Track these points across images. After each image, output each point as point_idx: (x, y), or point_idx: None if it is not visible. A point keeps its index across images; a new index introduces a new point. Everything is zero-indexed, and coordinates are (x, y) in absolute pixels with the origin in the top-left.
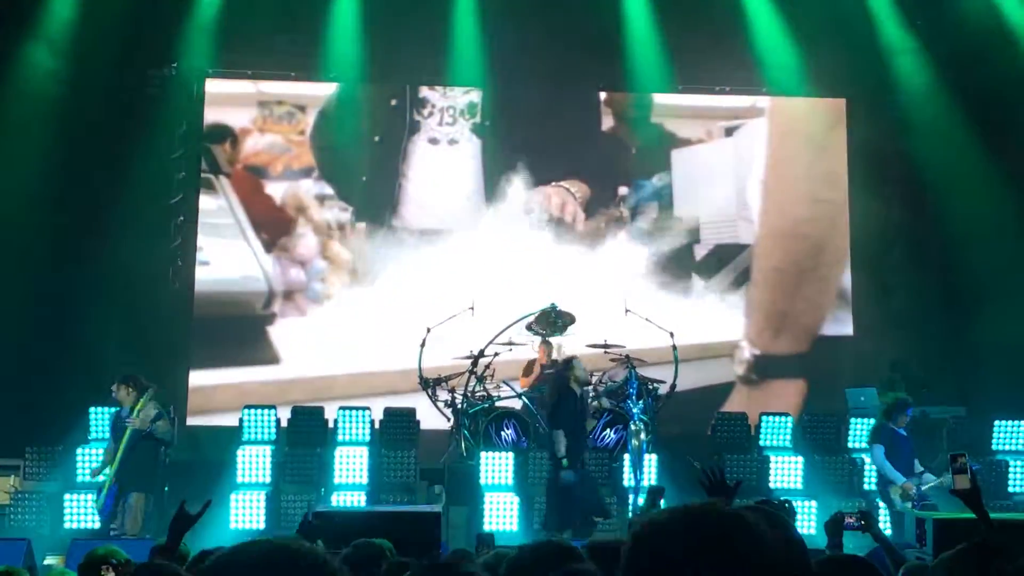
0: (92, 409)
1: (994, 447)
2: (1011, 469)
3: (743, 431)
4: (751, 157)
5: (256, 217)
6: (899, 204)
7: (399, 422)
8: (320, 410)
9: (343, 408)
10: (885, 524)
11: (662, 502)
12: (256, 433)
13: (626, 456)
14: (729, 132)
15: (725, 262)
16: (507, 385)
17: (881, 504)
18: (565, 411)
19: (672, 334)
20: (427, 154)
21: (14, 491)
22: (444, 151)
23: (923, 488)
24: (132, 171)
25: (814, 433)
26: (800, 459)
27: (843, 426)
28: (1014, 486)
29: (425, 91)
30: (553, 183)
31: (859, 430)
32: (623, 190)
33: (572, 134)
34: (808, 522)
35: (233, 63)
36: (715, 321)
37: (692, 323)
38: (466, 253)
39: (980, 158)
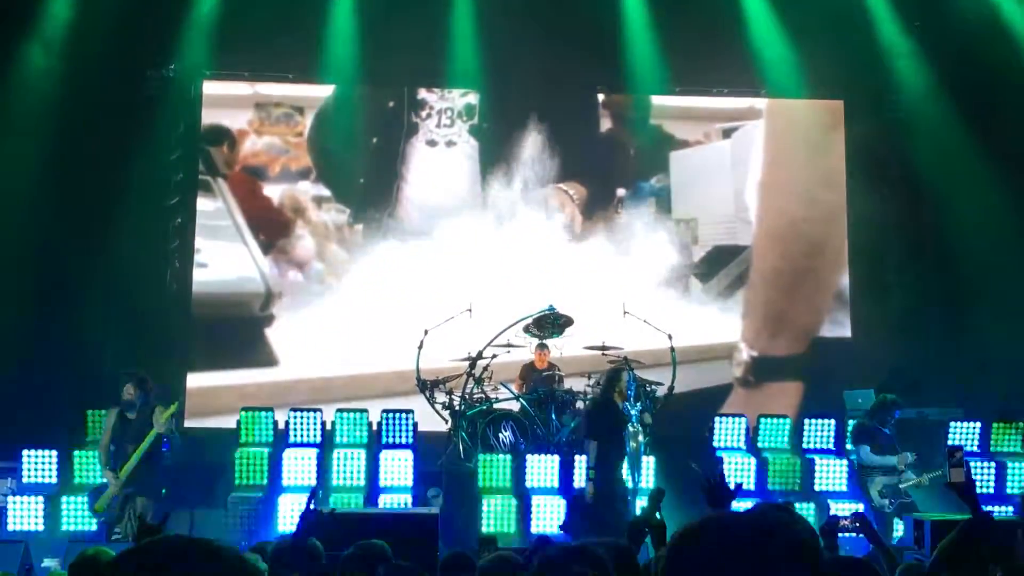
0: (89, 412)
1: (992, 449)
2: (1008, 471)
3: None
4: (749, 158)
5: (254, 219)
6: (897, 205)
7: (397, 424)
8: (318, 412)
9: (340, 410)
10: None
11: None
12: (254, 435)
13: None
14: (727, 134)
15: (723, 263)
16: (505, 387)
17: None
18: (603, 422)
19: (670, 336)
20: (425, 156)
21: (11, 492)
22: (442, 153)
23: (901, 486)
24: (129, 173)
25: (812, 435)
26: (796, 460)
27: (841, 428)
28: (1012, 488)
29: (423, 93)
30: (551, 185)
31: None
32: (621, 192)
33: (570, 136)
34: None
35: (230, 65)
36: (713, 323)
37: (690, 325)
38: (464, 255)
39: (978, 159)
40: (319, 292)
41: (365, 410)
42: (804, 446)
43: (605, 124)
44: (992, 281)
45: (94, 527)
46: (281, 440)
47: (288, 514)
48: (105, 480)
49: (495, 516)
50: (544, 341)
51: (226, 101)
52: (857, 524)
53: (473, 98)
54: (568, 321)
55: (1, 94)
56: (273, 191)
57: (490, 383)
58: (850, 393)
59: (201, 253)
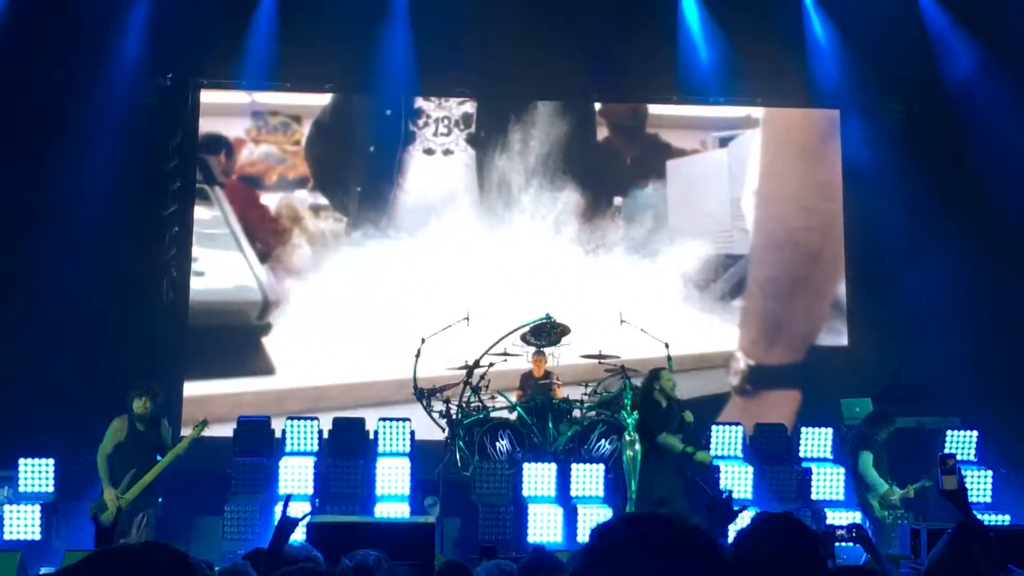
0: (89, 419)
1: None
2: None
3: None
4: (745, 167)
5: (251, 227)
6: (894, 213)
7: (393, 433)
8: (315, 420)
9: (338, 419)
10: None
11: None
12: (251, 444)
13: (621, 467)
14: (724, 142)
15: (720, 272)
16: (502, 396)
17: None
18: (651, 424)
19: (667, 344)
20: (422, 164)
21: (7, 501)
22: (439, 161)
23: (891, 498)
24: (127, 181)
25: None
26: (793, 469)
27: (837, 436)
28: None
29: (420, 102)
30: (548, 194)
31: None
32: (618, 200)
33: (567, 144)
34: None
35: (228, 74)
36: (710, 331)
37: (687, 333)
38: (461, 263)
39: (974, 168)
40: (316, 301)
41: (362, 418)
42: (801, 455)
43: (602, 133)
44: (991, 289)
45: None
46: (278, 449)
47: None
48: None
49: (492, 525)
50: (541, 349)
51: (223, 110)
52: (853, 533)
53: (470, 107)
54: (565, 330)
55: None
56: (270, 200)
57: (487, 392)
58: (847, 402)
59: (198, 262)
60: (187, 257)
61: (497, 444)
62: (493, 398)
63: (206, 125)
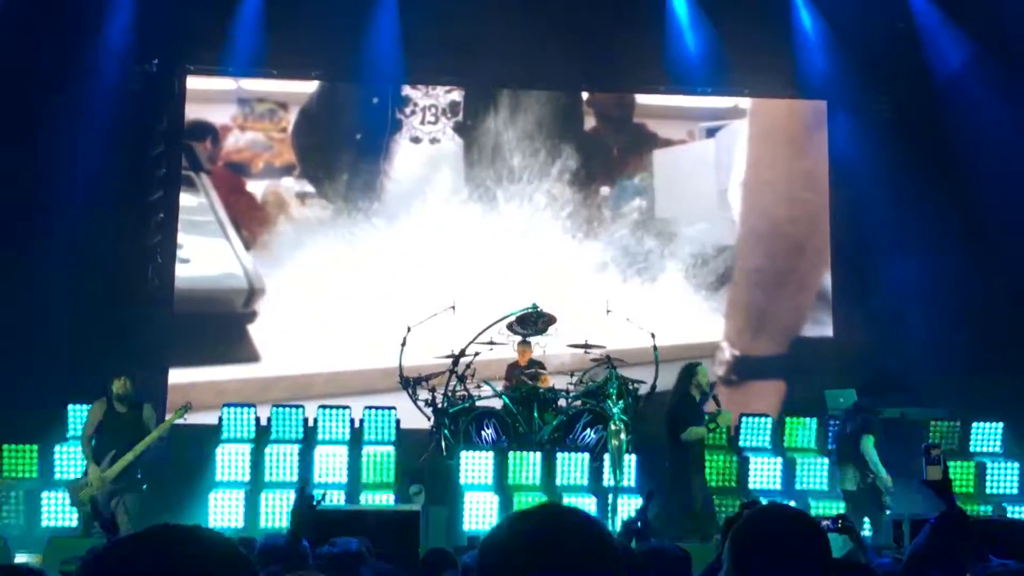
0: (71, 406)
1: (972, 449)
2: (988, 471)
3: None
4: (732, 158)
5: (237, 215)
6: (879, 205)
7: (379, 421)
8: (300, 408)
9: (323, 407)
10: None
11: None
12: (235, 431)
13: (606, 456)
14: (711, 133)
15: (706, 263)
16: (488, 385)
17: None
18: (683, 419)
19: (653, 335)
20: (409, 153)
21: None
22: (426, 150)
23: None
24: (112, 168)
25: (793, 434)
26: (779, 459)
27: (823, 427)
28: (991, 488)
29: (407, 90)
30: (534, 183)
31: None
32: (605, 190)
33: (554, 134)
34: None
35: (214, 60)
36: (696, 322)
37: (673, 324)
38: (447, 252)
39: (960, 161)
40: (302, 289)
41: (347, 407)
42: (785, 445)
43: (589, 122)
44: (976, 280)
45: (74, 523)
46: (263, 436)
47: (270, 510)
48: (84, 473)
49: (477, 513)
50: (526, 339)
51: (209, 96)
52: (840, 524)
53: (457, 95)
54: (551, 319)
55: None
56: (256, 187)
57: (473, 380)
58: (831, 392)
59: (183, 249)
60: (172, 244)
61: (483, 433)
62: (479, 387)
63: (192, 112)
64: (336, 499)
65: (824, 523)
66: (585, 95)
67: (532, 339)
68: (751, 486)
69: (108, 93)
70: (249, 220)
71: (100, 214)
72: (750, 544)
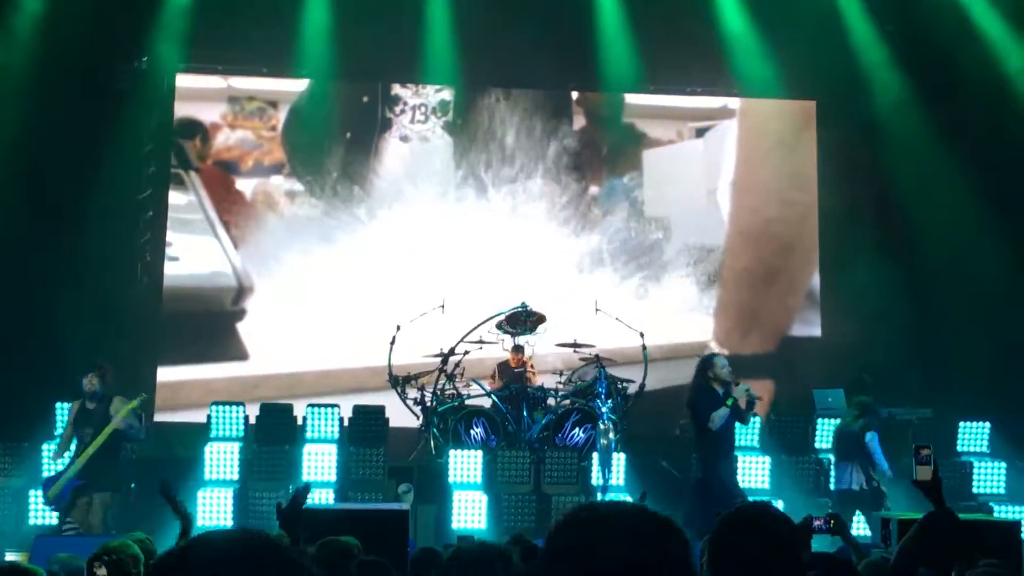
0: (58, 404)
1: (959, 448)
2: (975, 470)
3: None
4: (721, 158)
5: (226, 213)
6: (868, 206)
7: (368, 419)
8: (289, 407)
9: (312, 405)
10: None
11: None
12: (224, 430)
13: (595, 455)
14: (700, 133)
15: (695, 262)
16: (477, 384)
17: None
18: (701, 409)
19: (642, 334)
20: (398, 151)
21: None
22: (415, 148)
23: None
24: (101, 165)
25: (781, 433)
26: (767, 459)
27: (810, 427)
28: (978, 487)
29: (397, 88)
30: (524, 182)
31: (826, 431)
32: (594, 190)
33: (544, 133)
34: None
35: (204, 58)
36: (684, 321)
37: (662, 323)
38: (436, 251)
39: (948, 161)
40: (291, 287)
41: (337, 405)
42: (772, 444)
43: (578, 122)
44: (962, 282)
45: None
46: (251, 435)
47: (257, 509)
48: (58, 470)
49: (465, 512)
50: (518, 341)
51: (199, 94)
52: (831, 524)
53: (447, 94)
54: (540, 318)
55: None
56: (246, 185)
57: (462, 379)
58: (820, 392)
59: (172, 247)
60: (161, 242)
61: (472, 431)
62: (468, 386)
63: (182, 110)
64: (325, 498)
65: (816, 523)
66: (575, 95)
67: (521, 339)
68: (741, 485)
69: (97, 91)
70: (238, 218)
71: (89, 211)
72: (724, 548)
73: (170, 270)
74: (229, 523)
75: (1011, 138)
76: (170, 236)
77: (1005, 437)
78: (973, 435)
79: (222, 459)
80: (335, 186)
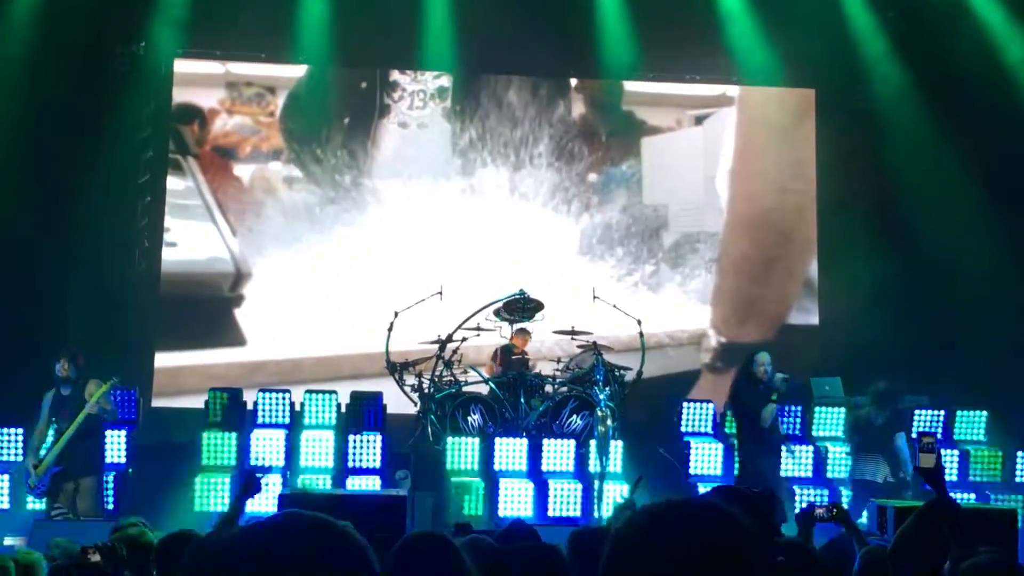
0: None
1: (956, 437)
2: (972, 459)
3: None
4: (720, 146)
5: (224, 199)
6: (867, 194)
7: (365, 406)
8: (287, 392)
9: (309, 391)
10: None
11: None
12: (222, 415)
13: (592, 442)
14: (699, 120)
15: (693, 250)
16: (474, 370)
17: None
18: (744, 403)
19: (640, 321)
20: (397, 138)
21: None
22: (414, 135)
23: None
24: (99, 150)
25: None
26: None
27: (808, 414)
28: (974, 475)
29: (396, 75)
30: (523, 169)
31: (823, 419)
32: (592, 177)
33: (542, 120)
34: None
35: (202, 43)
36: (682, 309)
37: (659, 311)
38: (434, 238)
39: (947, 149)
40: (289, 273)
41: (334, 391)
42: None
43: (577, 109)
44: (960, 270)
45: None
46: (249, 421)
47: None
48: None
49: (463, 499)
50: (523, 326)
51: (197, 80)
52: (833, 512)
53: (446, 80)
54: (538, 305)
55: None
56: (244, 171)
57: (459, 366)
58: (817, 380)
59: (170, 232)
60: (159, 227)
61: (469, 418)
62: (466, 372)
63: (180, 95)
64: (323, 484)
65: (817, 511)
66: (573, 82)
67: (518, 325)
68: (736, 474)
69: (95, 75)
70: (236, 204)
71: (87, 197)
72: (626, 552)
73: (168, 256)
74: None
75: (1010, 128)
76: (168, 222)
77: (1002, 426)
78: (970, 423)
79: (220, 445)
80: (333, 172)
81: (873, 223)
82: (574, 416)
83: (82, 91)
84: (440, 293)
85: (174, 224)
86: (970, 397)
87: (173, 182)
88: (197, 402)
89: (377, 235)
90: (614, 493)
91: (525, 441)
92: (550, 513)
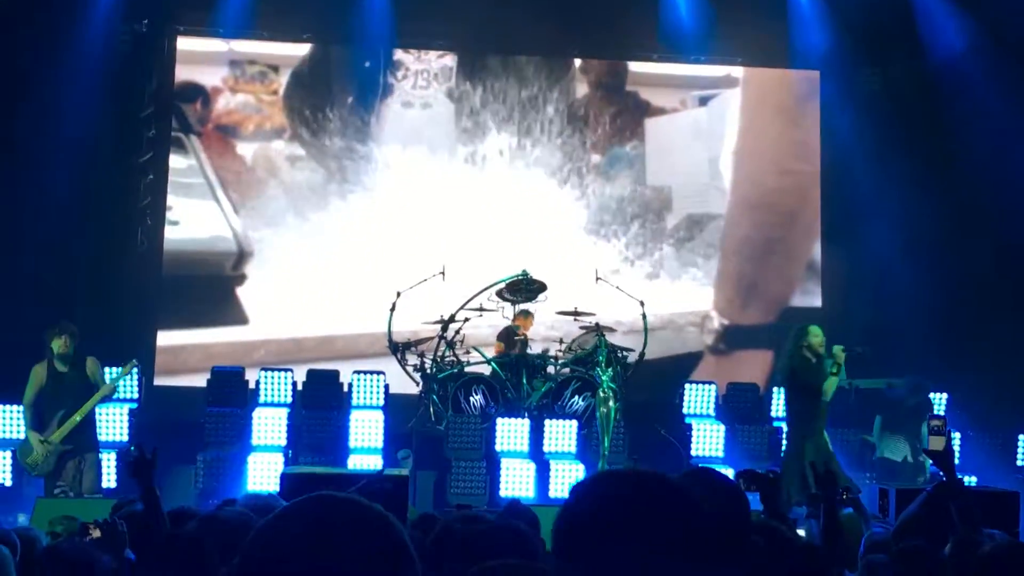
0: None
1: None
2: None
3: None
4: (724, 127)
5: (226, 177)
6: (870, 177)
7: (368, 386)
8: (289, 371)
9: (312, 371)
10: None
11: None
12: (224, 394)
13: (594, 423)
14: (703, 102)
15: (696, 231)
16: (477, 351)
17: None
18: (808, 382)
19: (642, 303)
20: (400, 117)
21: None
22: (417, 115)
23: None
24: (101, 128)
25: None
26: (764, 428)
27: None
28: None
29: (399, 54)
30: (526, 149)
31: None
32: (596, 157)
33: (546, 100)
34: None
35: (205, 21)
36: (684, 290)
37: (662, 292)
38: (437, 218)
39: (951, 134)
40: (291, 252)
41: (336, 371)
42: (772, 415)
43: (581, 90)
44: (963, 254)
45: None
46: (252, 399)
47: (257, 473)
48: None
49: (464, 479)
50: (527, 307)
51: (200, 58)
52: (844, 496)
53: (450, 60)
54: (541, 286)
55: None
56: (246, 149)
57: (462, 346)
58: None
59: (173, 211)
60: (162, 206)
61: (471, 399)
62: (468, 353)
63: (183, 73)
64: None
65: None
66: (578, 62)
67: (521, 307)
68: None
69: (98, 53)
70: (239, 183)
71: (89, 175)
72: (577, 523)
73: (170, 234)
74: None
75: (1013, 113)
76: (170, 200)
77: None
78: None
79: (222, 424)
80: (336, 151)
81: (876, 205)
82: (576, 397)
83: (84, 68)
84: (443, 273)
85: (176, 202)
86: (970, 380)
87: (176, 160)
88: (199, 381)
89: (380, 215)
90: None
91: (527, 422)
92: (551, 494)
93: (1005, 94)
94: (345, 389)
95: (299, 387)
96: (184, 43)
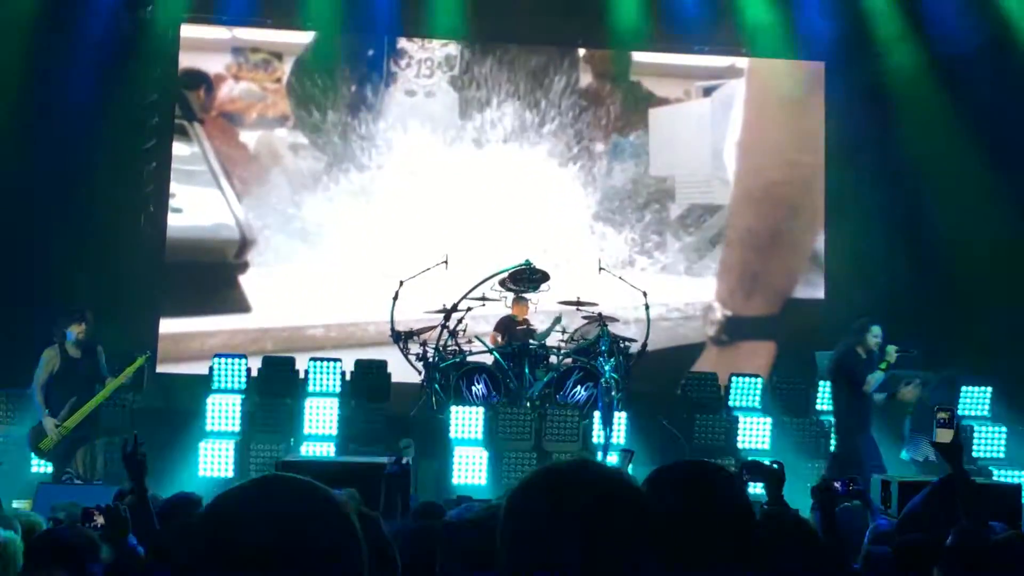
0: None
1: (960, 412)
2: (975, 434)
3: (713, 391)
4: (728, 118)
5: (230, 165)
6: (874, 169)
7: (370, 374)
8: (291, 360)
9: (314, 359)
10: None
11: (630, 466)
12: (226, 382)
13: (596, 413)
14: (707, 92)
15: (699, 222)
16: (479, 340)
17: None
18: (852, 375)
19: (645, 293)
20: (403, 106)
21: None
22: (421, 103)
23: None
24: (105, 115)
25: (783, 395)
26: (769, 420)
27: (812, 389)
28: (977, 451)
29: (403, 42)
30: (530, 139)
31: (827, 393)
32: (599, 147)
33: (550, 90)
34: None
35: (209, 8)
36: (688, 281)
37: (665, 283)
38: (440, 207)
39: (957, 125)
40: (294, 240)
41: (339, 359)
42: (818, 408)
43: (585, 79)
44: (968, 246)
45: (49, 468)
46: (254, 387)
47: (257, 460)
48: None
49: (466, 468)
50: (521, 295)
51: (204, 45)
52: (850, 488)
53: (454, 49)
54: (544, 276)
55: None
56: (249, 137)
57: (464, 336)
58: (822, 354)
59: (176, 198)
60: (165, 193)
61: (473, 388)
62: (470, 342)
63: (186, 60)
64: (326, 451)
65: (834, 485)
66: (582, 51)
67: (527, 295)
68: (740, 446)
69: (101, 40)
70: (242, 170)
71: (92, 162)
72: (524, 518)
73: (173, 221)
74: (230, 474)
75: (1018, 105)
76: (173, 187)
77: (1007, 401)
78: (974, 399)
79: (224, 411)
80: (339, 139)
81: (880, 196)
82: (578, 387)
83: (88, 55)
84: (445, 262)
85: (180, 190)
86: (977, 372)
87: (179, 148)
88: (201, 368)
89: (383, 203)
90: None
91: (529, 411)
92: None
93: (1010, 86)
94: (347, 377)
95: (300, 375)
96: (188, 30)
